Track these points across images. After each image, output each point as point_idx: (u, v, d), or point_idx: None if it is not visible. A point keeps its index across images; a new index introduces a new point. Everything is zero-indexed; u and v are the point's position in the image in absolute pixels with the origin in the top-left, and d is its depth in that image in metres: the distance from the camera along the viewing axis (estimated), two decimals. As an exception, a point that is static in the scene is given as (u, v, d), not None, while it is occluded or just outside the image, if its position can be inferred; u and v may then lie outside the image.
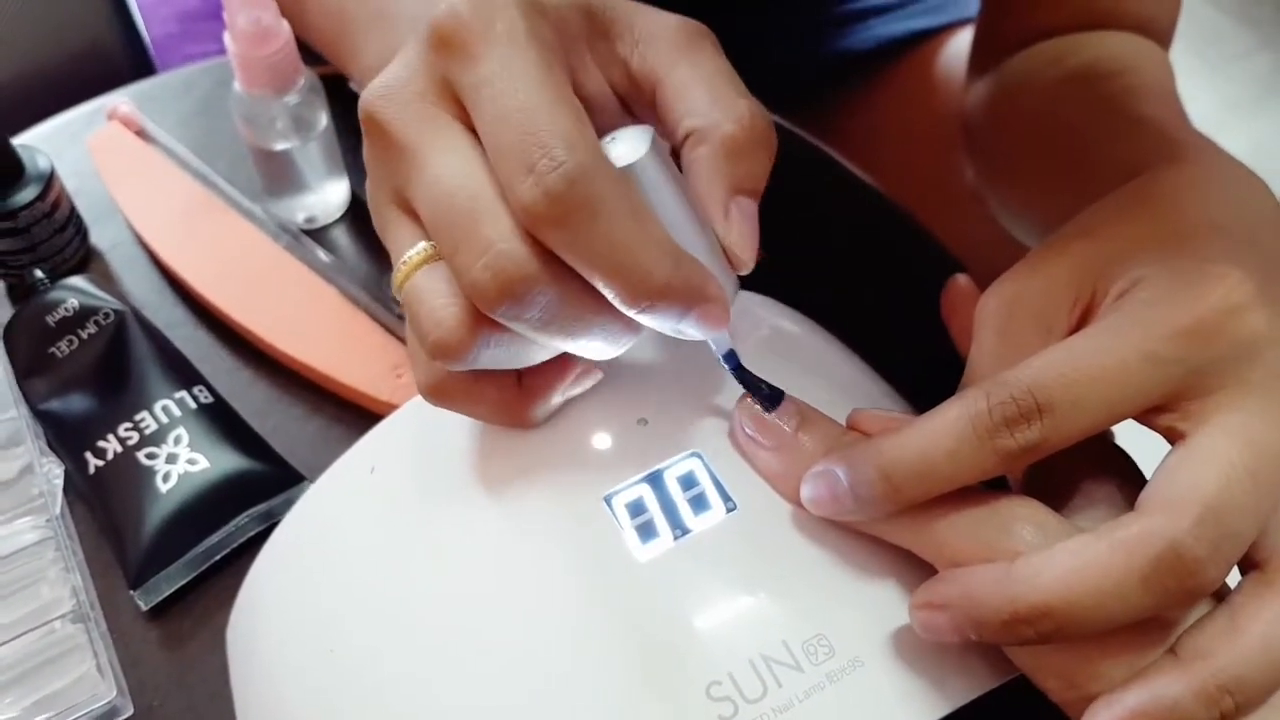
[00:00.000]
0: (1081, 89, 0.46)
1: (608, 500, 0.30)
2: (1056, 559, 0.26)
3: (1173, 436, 0.28)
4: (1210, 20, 1.98)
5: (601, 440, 0.32)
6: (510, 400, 0.31)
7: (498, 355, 0.28)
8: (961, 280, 0.39)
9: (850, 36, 0.73)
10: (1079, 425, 0.27)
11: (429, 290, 0.27)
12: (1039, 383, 0.27)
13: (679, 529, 0.30)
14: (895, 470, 0.28)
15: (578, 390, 0.32)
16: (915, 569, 0.29)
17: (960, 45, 0.70)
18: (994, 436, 0.27)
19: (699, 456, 0.31)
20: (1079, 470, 0.31)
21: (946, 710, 0.28)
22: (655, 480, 0.31)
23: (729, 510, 0.30)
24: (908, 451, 0.28)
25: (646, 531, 0.30)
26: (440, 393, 0.31)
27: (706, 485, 0.31)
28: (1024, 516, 0.28)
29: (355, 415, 0.48)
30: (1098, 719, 0.26)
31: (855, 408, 0.32)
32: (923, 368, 0.33)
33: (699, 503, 0.30)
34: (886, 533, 0.29)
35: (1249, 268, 0.28)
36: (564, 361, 0.31)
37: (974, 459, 0.27)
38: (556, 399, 0.32)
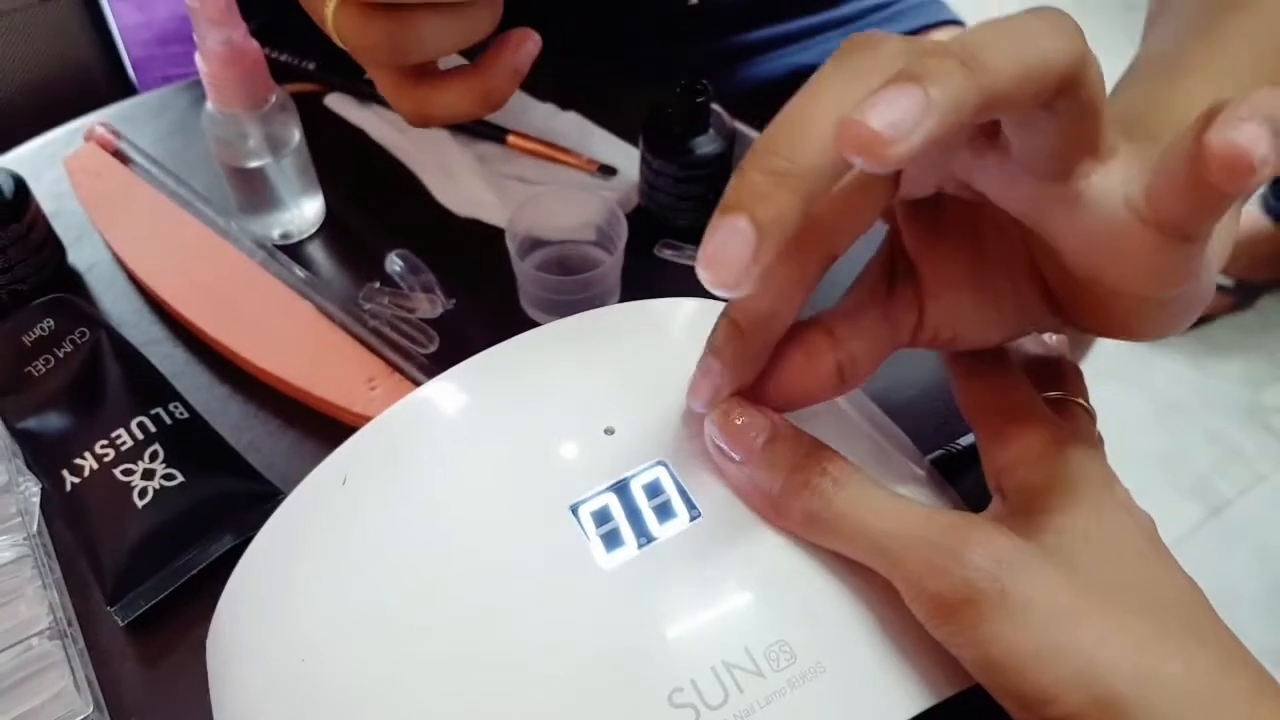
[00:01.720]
0: None
1: (574, 509, 0.31)
2: None
3: None
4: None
5: (568, 449, 0.32)
6: (476, 87, 0.40)
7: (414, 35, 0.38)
8: None
9: (820, 47, 0.74)
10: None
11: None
12: None
13: (644, 537, 0.30)
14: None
15: (527, 57, 0.41)
16: (877, 576, 0.29)
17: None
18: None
19: (665, 465, 0.31)
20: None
21: (907, 716, 0.28)
22: (621, 489, 0.31)
23: (693, 519, 0.30)
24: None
25: (612, 540, 0.30)
26: (421, 115, 0.41)
27: (672, 494, 0.31)
28: (981, 542, 0.27)
29: (330, 428, 0.48)
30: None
31: (835, 409, 0.32)
32: (908, 370, 0.33)
33: (664, 511, 0.31)
34: (849, 550, 0.29)
35: None
36: (500, 40, 0.41)
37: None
38: (512, 73, 0.41)
